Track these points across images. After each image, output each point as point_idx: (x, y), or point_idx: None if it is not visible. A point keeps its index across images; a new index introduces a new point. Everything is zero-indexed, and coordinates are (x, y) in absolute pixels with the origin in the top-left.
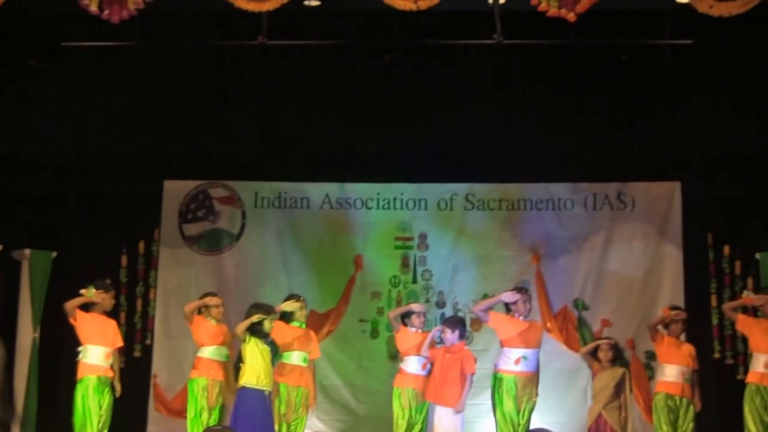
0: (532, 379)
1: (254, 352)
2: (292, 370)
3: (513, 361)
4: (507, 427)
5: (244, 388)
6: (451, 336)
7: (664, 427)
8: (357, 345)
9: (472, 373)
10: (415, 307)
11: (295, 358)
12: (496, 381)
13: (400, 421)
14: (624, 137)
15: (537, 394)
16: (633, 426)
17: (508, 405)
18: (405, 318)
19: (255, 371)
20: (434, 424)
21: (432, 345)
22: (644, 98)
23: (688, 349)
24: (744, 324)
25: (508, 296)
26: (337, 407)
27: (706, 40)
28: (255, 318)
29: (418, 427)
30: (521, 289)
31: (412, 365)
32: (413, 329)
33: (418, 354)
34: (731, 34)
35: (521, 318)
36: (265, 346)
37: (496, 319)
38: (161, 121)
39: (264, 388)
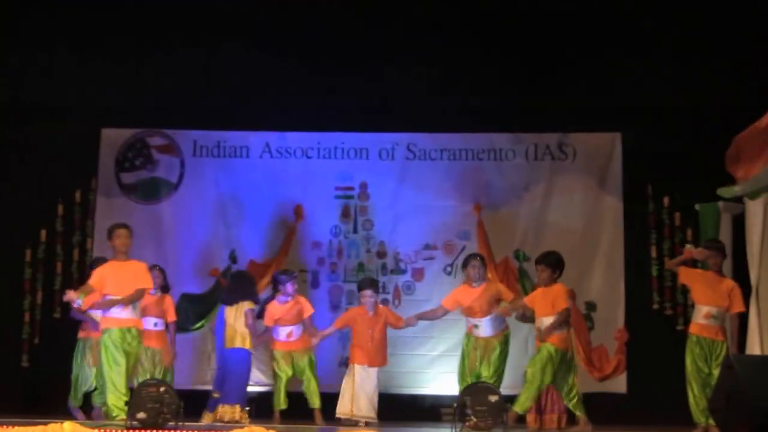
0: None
1: None
2: None
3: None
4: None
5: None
6: (370, 299)
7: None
8: None
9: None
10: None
11: None
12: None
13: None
14: (566, 88)
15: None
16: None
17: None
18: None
19: None
20: (357, 384)
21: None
22: (587, 49)
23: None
24: (686, 276)
25: None
26: None
27: None
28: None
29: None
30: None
31: (280, 334)
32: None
33: (287, 324)
34: None
35: (475, 285)
36: None
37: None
38: (99, 68)
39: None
